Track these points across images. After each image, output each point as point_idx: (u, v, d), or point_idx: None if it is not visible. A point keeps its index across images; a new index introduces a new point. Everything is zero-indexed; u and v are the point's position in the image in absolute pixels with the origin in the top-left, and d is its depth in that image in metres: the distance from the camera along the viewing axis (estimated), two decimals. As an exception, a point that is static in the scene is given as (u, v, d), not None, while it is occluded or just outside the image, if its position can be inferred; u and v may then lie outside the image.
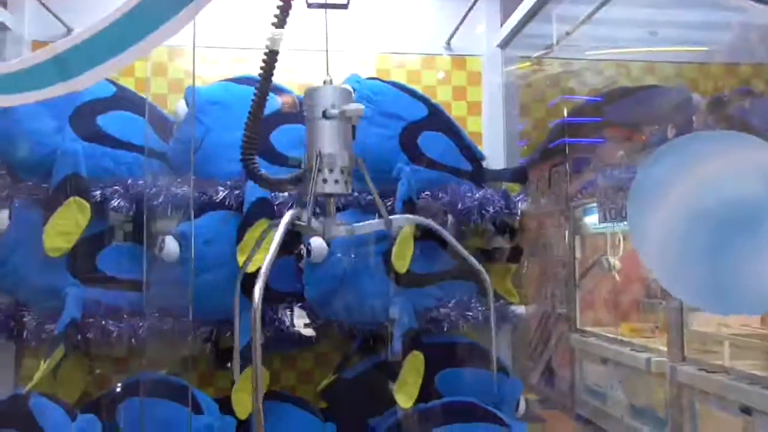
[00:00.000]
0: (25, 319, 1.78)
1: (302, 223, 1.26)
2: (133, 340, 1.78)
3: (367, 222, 1.41)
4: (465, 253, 1.35)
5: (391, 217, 1.37)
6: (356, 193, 1.85)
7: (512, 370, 2.03)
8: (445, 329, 1.86)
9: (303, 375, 2.08)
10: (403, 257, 1.73)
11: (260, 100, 1.23)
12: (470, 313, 1.88)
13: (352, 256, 1.79)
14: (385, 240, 1.80)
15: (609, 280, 4.52)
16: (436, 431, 1.72)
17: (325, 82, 1.27)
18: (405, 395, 1.73)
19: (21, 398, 1.62)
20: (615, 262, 4.41)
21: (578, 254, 4.77)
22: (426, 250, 1.88)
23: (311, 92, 1.25)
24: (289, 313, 1.83)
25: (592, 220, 4.47)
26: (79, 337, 1.76)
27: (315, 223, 1.29)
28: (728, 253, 0.75)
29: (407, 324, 1.79)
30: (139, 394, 1.73)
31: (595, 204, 4.26)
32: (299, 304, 1.84)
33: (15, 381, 1.88)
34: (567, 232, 4.68)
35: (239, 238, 1.75)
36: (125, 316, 1.79)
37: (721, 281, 0.73)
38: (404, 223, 1.39)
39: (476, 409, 1.75)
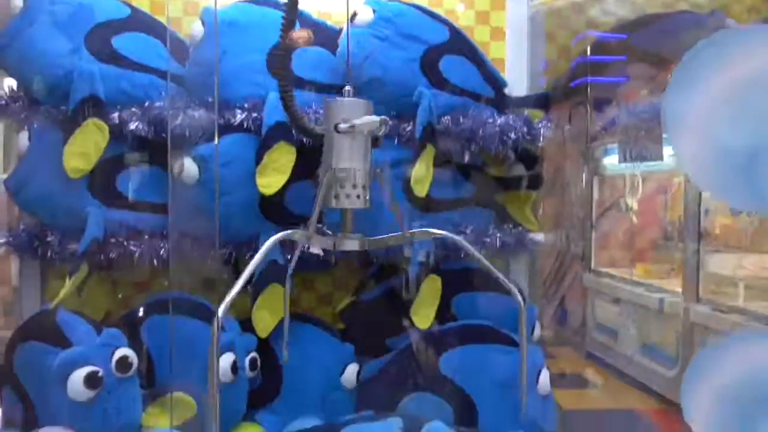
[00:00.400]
0: (48, 239, 1.81)
1: (302, 237, 1.23)
2: (155, 261, 1.81)
3: (381, 237, 1.35)
4: (492, 269, 1.28)
5: (411, 231, 1.31)
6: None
7: (529, 296, 2.04)
8: (462, 255, 1.86)
9: (322, 297, 2.11)
10: (422, 181, 1.72)
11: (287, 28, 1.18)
12: (488, 240, 1.88)
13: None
14: (405, 164, 1.79)
15: (626, 222, 4.51)
16: (452, 352, 1.75)
17: (343, 93, 1.20)
18: (422, 317, 1.76)
19: (48, 313, 1.66)
20: (633, 203, 4.39)
21: (596, 195, 4.75)
22: (445, 176, 1.87)
23: (327, 104, 1.19)
24: (307, 235, 1.84)
25: (611, 160, 4.43)
26: (101, 257, 1.78)
27: (322, 240, 1.26)
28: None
29: (425, 249, 1.80)
30: (162, 312, 1.77)
31: (615, 144, 4.21)
32: (320, 226, 1.85)
33: (42, 298, 1.93)
34: (585, 173, 4.65)
35: (258, 160, 1.74)
36: (146, 237, 1.81)
37: (761, 182, 0.72)
38: (424, 237, 1.34)
39: (491, 332, 1.77)
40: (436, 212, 1.86)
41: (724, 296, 3.44)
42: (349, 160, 1.14)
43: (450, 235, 1.27)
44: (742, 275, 3.38)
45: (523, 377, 1.23)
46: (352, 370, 1.80)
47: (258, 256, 1.14)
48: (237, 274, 1.97)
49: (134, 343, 1.67)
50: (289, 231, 1.22)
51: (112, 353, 1.57)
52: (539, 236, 2.00)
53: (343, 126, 1.11)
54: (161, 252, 1.80)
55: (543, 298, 4.50)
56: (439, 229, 1.85)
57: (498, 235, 1.88)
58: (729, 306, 3.25)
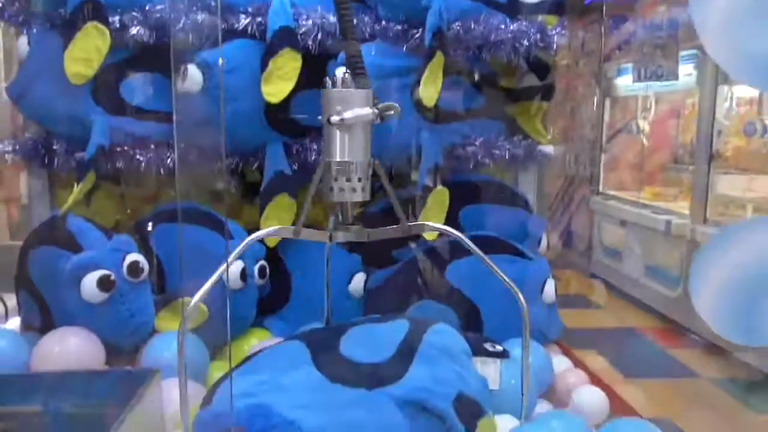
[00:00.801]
0: (54, 147, 1.80)
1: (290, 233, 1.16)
2: (161, 170, 1.80)
3: (382, 228, 1.28)
4: (495, 268, 1.23)
5: (410, 224, 1.24)
6: (384, 23, 1.78)
7: (536, 209, 2.04)
8: (472, 167, 1.85)
9: (330, 209, 2.11)
10: (431, 88, 1.68)
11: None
12: (497, 152, 1.86)
13: (377, 88, 1.74)
14: (413, 72, 1.74)
15: (636, 144, 4.45)
16: (459, 262, 1.76)
17: (333, 83, 1.08)
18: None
19: (59, 219, 1.67)
20: (644, 125, 4.32)
21: (607, 117, 4.67)
22: (455, 86, 1.83)
23: (324, 93, 1.10)
24: (314, 146, 1.82)
25: (624, 81, 4.32)
26: (108, 166, 1.78)
27: (314, 234, 1.20)
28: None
29: (433, 159, 1.78)
30: (171, 221, 1.78)
31: (629, 64, 4.10)
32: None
33: (51, 207, 1.94)
34: (597, 94, 4.55)
35: (263, 67, 1.70)
36: (152, 146, 1.80)
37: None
38: (423, 230, 1.25)
39: (498, 243, 1.78)
40: (445, 123, 1.83)
41: (731, 218, 3.43)
42: (346, 153, 1.08)
43: (450, 230, 1.17)
44: (750, 197, 3.36)
45: (526, 379, 1.22)
46: (359, 278, 1.82)
47: (233, 256, 1.11)
48: (244, 184, 1.98)
49: (144, 250, 1.69)
50: (273, 229, 1.19)
51: (123, 258, 1.59)
52: (549, 148, 1.97)
53: (335, 119, 1.04)
54: (167, 161, 1.79)
55: (550, 219, 4.51)
56: (447, 140, 1.85)
57: (507, 147, 1.85)
58: (736, 228, 3.25)
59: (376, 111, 1.03)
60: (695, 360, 2.92)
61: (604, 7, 4.36)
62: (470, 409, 1.04)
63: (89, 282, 1.53)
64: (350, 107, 1.03)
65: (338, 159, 1.06)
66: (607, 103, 4.58)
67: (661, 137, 4.34)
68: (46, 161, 1.84)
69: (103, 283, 1.53)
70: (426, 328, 1.22)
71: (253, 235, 1.14)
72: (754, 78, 0.67)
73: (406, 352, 1.10)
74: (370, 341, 1.15)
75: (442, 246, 1.80)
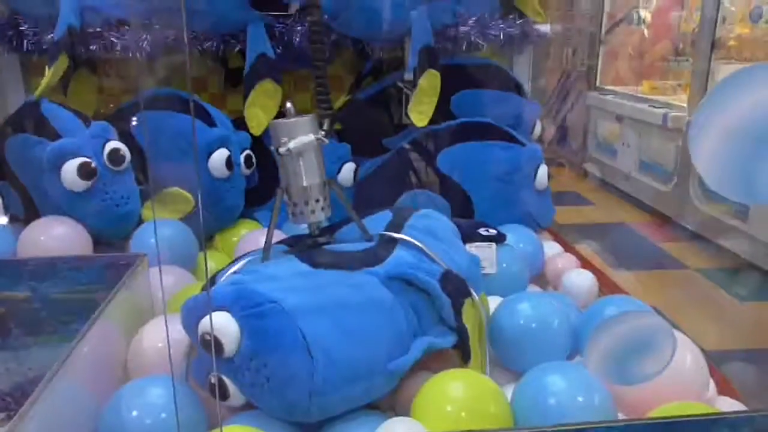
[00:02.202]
0: (22, 28, 1.69)
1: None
2: (138, 54, 1.71)
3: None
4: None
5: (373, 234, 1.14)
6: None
7: (531, 94, 1.97)
8: (464, 48, 1.76)
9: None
10: (422, -40, 1.57)
11: None
12: (491, 32, 1.76)
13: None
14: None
15: (637, 35, 4.29)
16: (450, 149, 1.72)
17: (284, 114, 1.08)
18: (420, 114, 1.70)
19: (32, 104, 1.60)
20: (646, 14, 4.14)
21: (607, 7, 4.47)
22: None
23: (271, 126, 1.09)
24: (299, 27, 1.72)
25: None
26: (81, 49, 1.68)
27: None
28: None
29: (424, 40, 1.68)
30: (152, 108, 1.71)
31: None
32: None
33: (25, 92, 1.86)
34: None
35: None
36: (127, 27, 1.70)
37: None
38: (385, 240, 1.16)
39: (490, 128, 1.73)
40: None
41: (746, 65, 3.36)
42: (301, 179, 1.08)
43: (411, 240, 1.10)
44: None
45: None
46: (348, 168, 1.78)
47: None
48: (226, 71, 1.89)
49: (125, 138, 1.63)
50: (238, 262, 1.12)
51: (103, 145, 1.53)
52: (545, 27, 1.88)
53: (282, 150, 1.05)
54: (144, 44, 1.70)
55: (546, 116, 4.43)
56: (439, 19, 1.75)
57: (502, 26, 1.76)
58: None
59: (320, 135, 1.06)
60: (684, 252, 2.96)
61: None
62: (457, 285, 1.03)
63: (69, 169, 1.48)
64: (295, 136, 1.04)
65: (294, 185, 1.08)
66: (608, -12, 4.37)
67: (663, 27, 4.18)
68: (15, 44, 1.73)
69: (84, 171, 1.48)
70: (409, 215, 1.20)
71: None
72: None
73: (390, 238, 1.08)
74: (353, 237, 1.14)
75: (433, 134, 1.75)
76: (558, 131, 4.53)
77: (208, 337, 0.90)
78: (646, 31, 4.17)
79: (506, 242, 1.43)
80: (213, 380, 0.94)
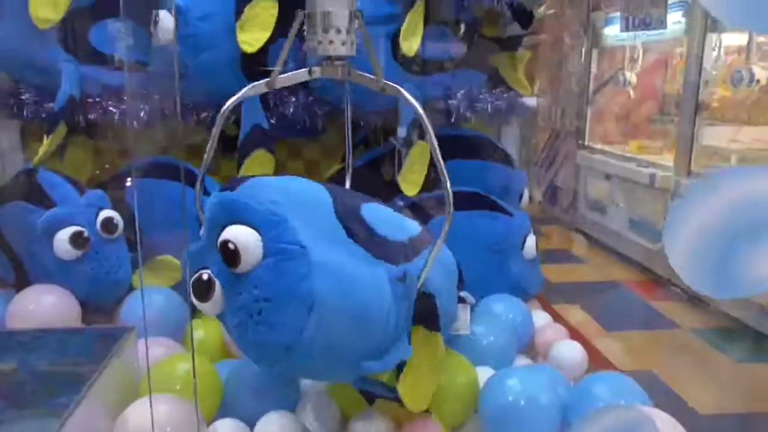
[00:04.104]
0: (23, 97, 1.74)
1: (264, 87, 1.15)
2: (135, 122, 1.75)
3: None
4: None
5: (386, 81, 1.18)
6: None
7: (518, 163, 2.02)
8: (453, 120, 1.81)
9: (310, 165, 2.08)
10: (412, 38, 1.63)
11: None
12: (479, 105, 1.82)
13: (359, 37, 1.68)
14: (394, 21, 1.68)
15: (623, 96, 4.41)
16: (440, 218, 1.74)
17: None
18: (410, 183, 1.73)
19: (29, 172, 1.63)
20: (631, 77, 4.26)
21: (594, 69, 4.60)
22: (436, 35, 1.77)
23: None
24: (293, 99, 1.77)
25: (612, 31, 4.25)
26: (80, 117, 1.72)
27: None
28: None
29: (414, 114, 1.73)
30: (146, 175, 1.74)
31: (617, 13, 4.01)
32: (305, 89, 1.78)
33: (23, 159, 1.89)
34: (585, 45, 4.47)
35: (238, 14, 1.63)
36: (125, 97, 1.74)
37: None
38: (397, 93, 1.21)
39: (480, 198, 1.76)
40: (427, 74, 1.78)
41: (716, 170, 3.43)
42: (327, 2, 1.05)
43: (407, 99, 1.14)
44: (735, 147, 3.35)
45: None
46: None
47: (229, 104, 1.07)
48: (221, 138, 1.92)
49: (119, 206, 1.66)
50: (249, 87, 1.15)
51: (97, 214, 1.56)
52: (532, 100, 1.94)
53: None
54: (141, 114, 1.74)
55: (536, 174, 4.50)
56: (429, 92, 1.81)
57: (489, 99, 1.81)
58: (719, 180, 3.25)
59: None
60: (677, 311, 2.97)
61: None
62: (431, 312, 1.06)
63: (62, 239, 1.50)
64: None
65: (320, 9, 1.05)
66: (595, 54, 4.50)
67: (648, 88, 4.30)
68: (15, 111, 1.77)
69: (77, 240, 1.50)
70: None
71: (235, 98, 1.16)
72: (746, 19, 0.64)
73: (414, 248, 1.12)
74: (387, 220, 1.14)
75: (424, 202, 1.78)
76: (548, 189, 4.59)
77: (231, 246, 0.89)
78: (631, 92, 4.29)
79: (494, 314, 1.44)
80: (204, 276, 0.93)
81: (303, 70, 1.16)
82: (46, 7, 1.60)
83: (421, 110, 1.14)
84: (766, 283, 0.68)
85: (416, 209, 1.82)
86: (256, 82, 1.18)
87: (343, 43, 1.10)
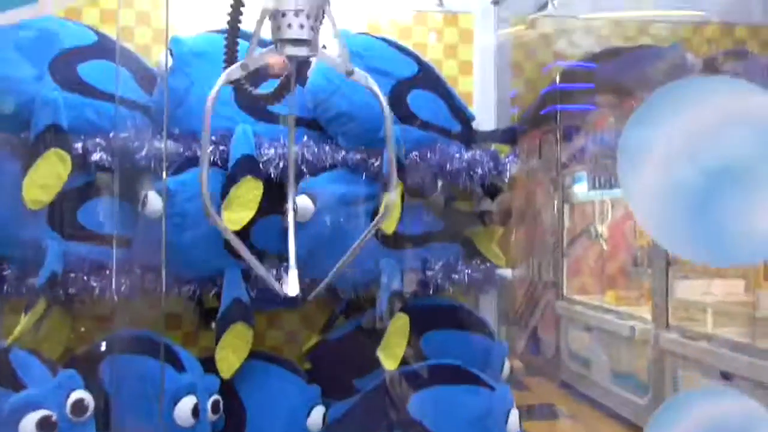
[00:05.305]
0: (5, 273, 1.75)
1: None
2: (115, 296, 1.76)
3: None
4: None
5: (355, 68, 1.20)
6: (344, 153, 1.82)
7: (498, 334, 2.03)
8: (431, 292, 1.85)
9: (288, 336, 2.07)
10: (390, 216, 1.70)
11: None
12: (456, 276, 1.87)
13: (339, 215, 1.76)
14: (373, 200, 1.77)
15: (596, 248, 4.54)
16: (421, 393, 1.72)
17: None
18: (390, 357, 1.73)
19: (2, 352, 1.59)
20: (603, 230, 4.43)
21: (567, 222, 4.78)
22: (413, 211, 1.85)
23: None
24: (273, 271, 1.80)
25: (581, 188, 4.47)
26: (60, 291, 1.73)
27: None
28: (720, 203, 0.74)
29: (393, 287, 1.77)
30: (122, 350, 1.72)
31: (584, 172, 4.25)
32: (285, 264, 1.82)
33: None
34: (556, 200, 4.68)
35: (223, 195, 1.71)
36: (107, 272, 1.76)
37: (715, 232, 0.72)
38: (365, 82, 1.21)
39: (461, 372, 1.75)
40: (404, 248, 1.84)
41: (693, 322, 3.46)
42: None
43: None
44: (709, 301, 3.41)
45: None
46: (318, 412, 1.75)
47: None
48: (201, 311, 1.93)
49: (92, 383, 1.61)
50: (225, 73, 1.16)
51: (67, 396, 1.50)
52: (507, 272, 2.00)
53: None
54: (122, 288, 1.75)
55: (516, 326, 4.49)
56: (407, 265, 1.86)
57: (467, 271, 1.87)
58: (698, 332, 3.28)
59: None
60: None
61: (559, 116, 4.59)
62: None
63: (28, 424, 1.44)
64: None
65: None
66: (566, 208, 4.71)
67: (620, 241, 4.44)
68: (-5, 287, 1.77)
69: (44, 425, 1.44)
70: None
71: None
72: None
73: None
74: None
75: (404, 376, 1.76)
76: (529, 342, 4.57)
77: None
78: (604, 245, 4.42)
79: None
80: None
81: (270, 47, 1.17)
82: (39, 190, 1.66)
83: (385, 102, 1.20)
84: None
85: (397, 383, 1.80)
86: (230, 68, 1.19)
87: (301, 27, 1.12)
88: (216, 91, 1.17)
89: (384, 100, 1.22)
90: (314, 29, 1.12)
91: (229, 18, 1.19)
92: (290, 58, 1.16)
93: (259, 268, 1.31)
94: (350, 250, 1.32)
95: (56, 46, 1.78)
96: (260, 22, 1.14)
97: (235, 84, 1.26)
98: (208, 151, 1.75)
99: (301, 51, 1.14)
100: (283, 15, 1.10)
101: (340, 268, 1.27)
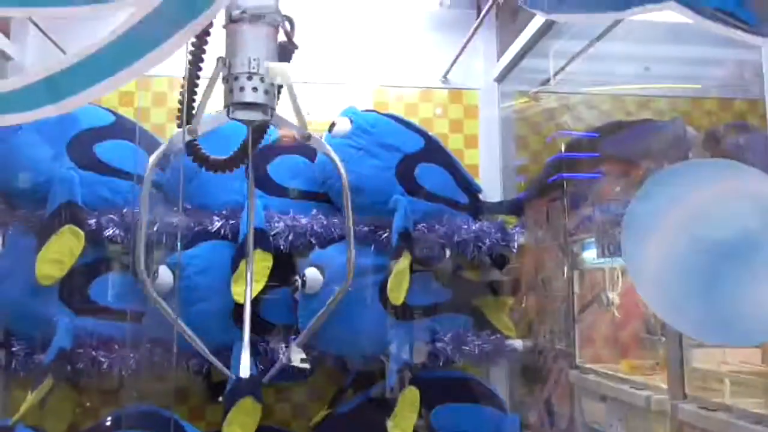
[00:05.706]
0: (14, 349, 1.75)
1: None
2: (123, 371, 1.75)
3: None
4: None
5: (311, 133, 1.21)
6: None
7: (509, 406, 1.99)
8: (441, 363, 1.83)
9: (297, 409, 2.04)
10: (398, 289, 1.71)
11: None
12: (466, 347, 1.86)
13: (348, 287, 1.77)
14: (382, 271, 1.78)
15: (608, 316, 4.47)
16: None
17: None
18: (400, 429, 1.69)
19: (6, 430, 1.57)
20: (614, 297, 4.38)
21: (577, 289, 4.73)
22: (422, 283, 1.86)
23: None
24: (283, 345, 1.80)
25: (590, 255, 4.46)
26: (68, 367, 1.72)
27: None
28: (724, 283, 0.74)
29: (403, 358, 1.76)
30: (129, 426, 1.70)
31: (593, 239, 4.26)
32: (293, 337, 1.81)
33: (5, 410, 1.84)
34: (565, 268, 4.66)
35: (234, 268, 1.73)
36: (116, 347, 1.76)
37: (719, 312, 0.72)
38: (320, 147, 1.25)
39: (472, 446, 1.71)
40: (413, 319, 1.84)
41: (710, 392, 3.36)
42: (249, 50, 1.05)
43: None
44: (726, 370, 3.32)
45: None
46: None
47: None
48: (209, 385, 1.92)
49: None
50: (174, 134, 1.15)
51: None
52: (517, 343, 1.98)
53: (236, 13, 1.03)
54: (131, 362, 1.75)
55: (528, 396, 4.38)
56: (416, 337, 1.85)
57: (476, 342, 1.85)
58: (716, 403, 3.18)
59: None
60: None
61: (564, 184, 4.64)
62: None
63: (29, 505, 1.41)
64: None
65: (244, 56, 1.05)
66: (576, 275, 4.68)
67: (632, 308, 4.38)
68: (4, 363, 1.77)
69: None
70: None
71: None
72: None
73: None
74: None
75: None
76: (543, 411, 4.44)
77: None
78: (616, 312, 4.37)
79: None
80: None
81: (222, 110, 1.15)
82: (51, 265, 1.69)
83: (342, 167, 1.25)
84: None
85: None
86: (175, 132, 1.20)
87: (254, 89, 1.09)
88: (157, 156, 1.18)
89: (340, 165, 1.26)
90: (269, 93, 1.10)
91: (185, 74, 1.17)
92: (244, 122, 1.14)
93: (206, 353, 1.28)
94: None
95: (75, 126, 1.86)
96: (210, 87, 1.12)
97: (191, 147, 1.24)
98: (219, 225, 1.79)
99: (254, 115, 1.12)
100: (236, 78, 1.08)
101: (319, 318, 1.24)
